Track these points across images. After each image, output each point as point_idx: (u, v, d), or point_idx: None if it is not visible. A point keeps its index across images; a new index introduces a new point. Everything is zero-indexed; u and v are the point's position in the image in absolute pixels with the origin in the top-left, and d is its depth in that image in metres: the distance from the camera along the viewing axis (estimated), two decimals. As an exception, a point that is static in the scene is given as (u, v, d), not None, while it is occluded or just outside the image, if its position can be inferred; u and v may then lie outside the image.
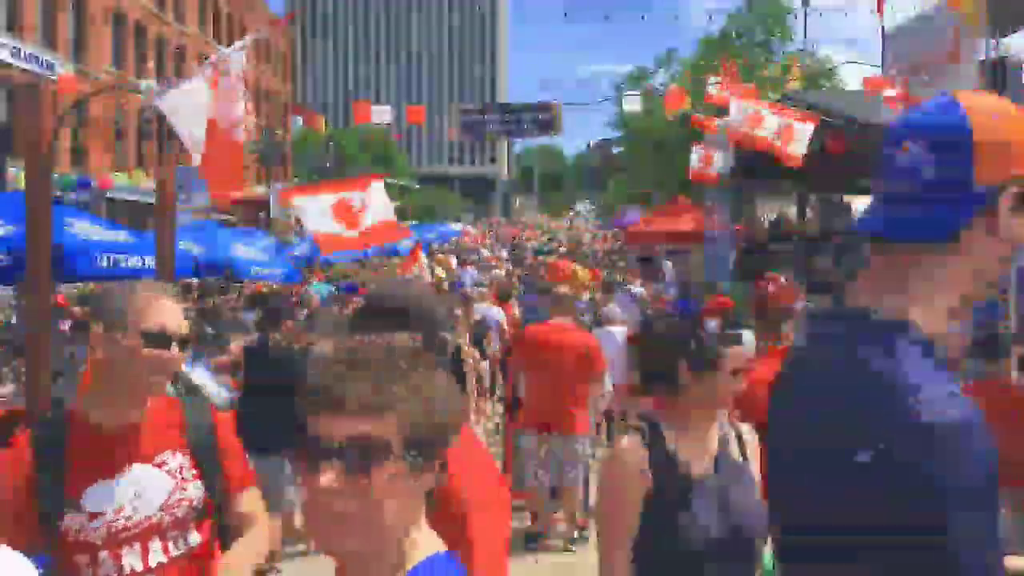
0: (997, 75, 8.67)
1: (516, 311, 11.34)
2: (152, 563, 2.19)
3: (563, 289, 6.93)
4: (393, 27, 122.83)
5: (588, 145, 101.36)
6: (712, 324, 2.41)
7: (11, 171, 21.74)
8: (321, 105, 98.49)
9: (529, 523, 6.87)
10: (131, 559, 2.16)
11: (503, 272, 21.04)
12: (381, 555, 1.26)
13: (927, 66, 9.86)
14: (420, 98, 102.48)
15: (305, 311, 10.63)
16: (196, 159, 5.81)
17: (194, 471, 2.29)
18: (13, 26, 25.71)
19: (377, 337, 1.39)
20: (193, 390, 5.28)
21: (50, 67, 25.54)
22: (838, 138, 10.39)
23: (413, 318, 2.00)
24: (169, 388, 3.81)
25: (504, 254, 34.17)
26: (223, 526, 2.40)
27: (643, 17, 59.03)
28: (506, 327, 10.22)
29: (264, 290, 14.28)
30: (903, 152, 1.36)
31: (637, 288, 12.36)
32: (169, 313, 2.21)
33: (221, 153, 5.79)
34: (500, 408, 8.70)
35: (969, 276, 1.36)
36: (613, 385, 7.29)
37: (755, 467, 2.46)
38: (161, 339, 2.17)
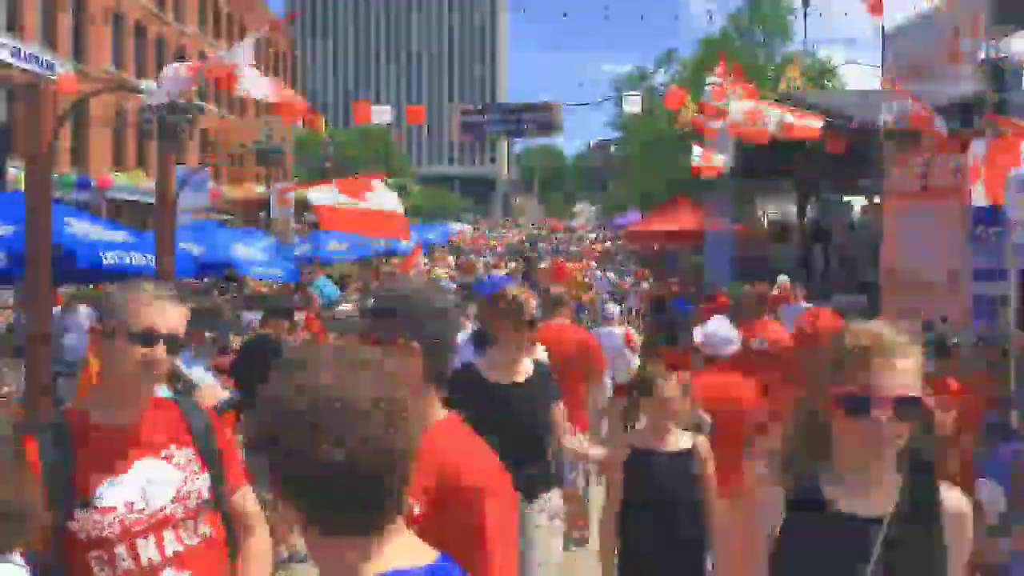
0: (997, 75, 8.67)
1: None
2: (169, 553, 2.22)
3: (560, 289, 6.92)
4: (393, 27, 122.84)
5: (588, 145, 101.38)
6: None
7: (11, 171, 21.74)
8: (321, 105, 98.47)
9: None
10: (148, 551, 2.19)
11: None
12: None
13: (927, 66, 9.87)
14: (420, 98, 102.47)
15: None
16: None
17: (200, 463, 2.33)
18: (13, 26, 25.70)
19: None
20: (192, 390, 5.28)
21: (50, 67, 25.54)
22: (838, 138, 10.38)
23: (415, 319, 2.01)
24: (165, 391, 3.82)
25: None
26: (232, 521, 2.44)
27: (643, 17, 58.97)
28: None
29: (264, 290, 14.29)
30: None
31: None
32: (159, 313, 2.22)
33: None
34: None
35: None
36: (612, 384, 7.29)
37: None
38: (147, 338, 2.19)
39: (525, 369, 4.07)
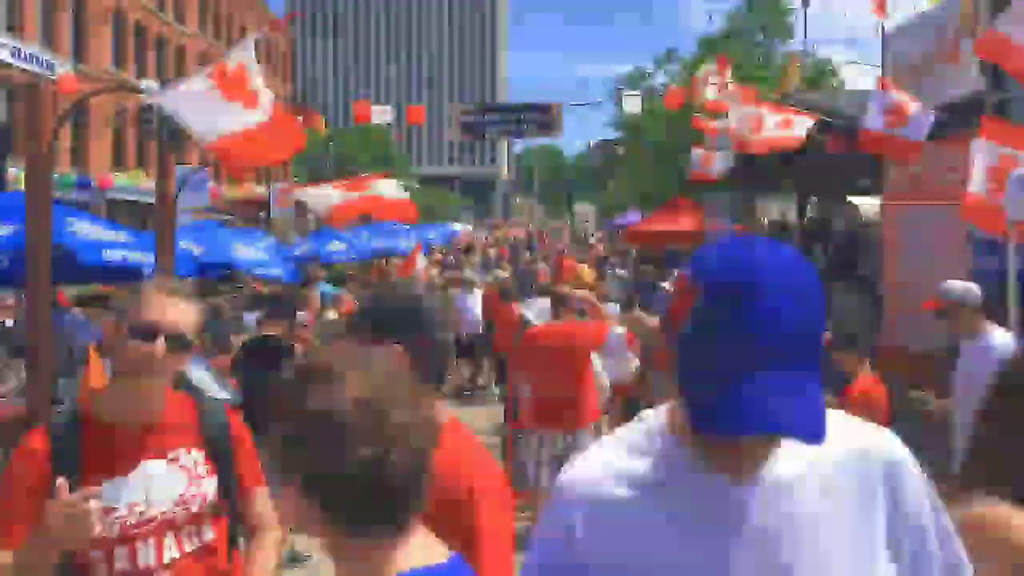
0: (997, 75, 8.66)
1: (517, 313, 11.32)
2: (166, 558, 2.21)
3: (565, 288, 6.93)
4: (393, 27, 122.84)
5: (588, 145, 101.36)
6: None
7: (11, 171, 21.74)
8: (321, 105, 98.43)
9: (530, 523, 6.87)
10: (146, 554, 2.18)
11: (505, 273, 21.01)
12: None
13: (927, 66, 9.86)
14: (420, 98, 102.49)
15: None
16: (211, 143, 5.66)
17: (208, 467, 2.31)
18: (13, 26, 25.70)
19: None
20: (192, 390, 5.28)
21: (50, 67, 25.54)
22: (838, 138, 10.38)
23: (416, 321, 2.01)
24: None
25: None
26: (238, 525, 2.42)
27: (643, 17, 58.95)
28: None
29: (264, 290, 14.28)
30: None
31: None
32: (161, 309, 2.20)
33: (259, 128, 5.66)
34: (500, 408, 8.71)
35: None
36: (612, 384, 7.30)
37: None
38: (146, 333, 2.16)
39: None
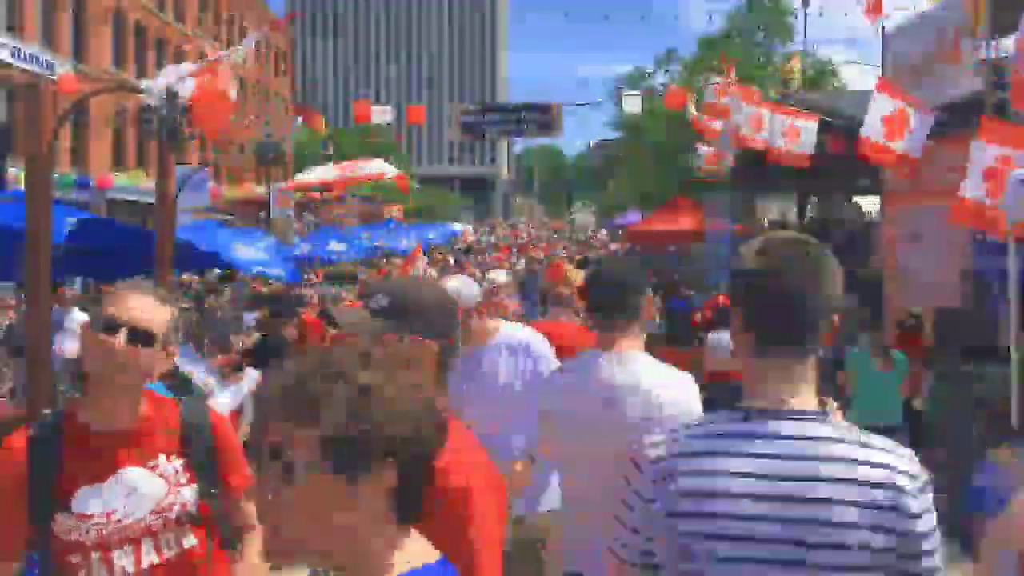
0: (997, 75, 8.66)
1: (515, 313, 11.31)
2: (144, 564, 2.18)
3: (565, 290, 6.92)
4: (393, 27, 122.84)
5: (588, 145, 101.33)
6: None
7: (11, 171, 21.74)
8: (321, 105, 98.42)
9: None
10: (123, 561, 2.16)
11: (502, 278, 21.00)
12: (345, 565, 1.25)
13: (927, 66, 9.86)
14: (420, 98, 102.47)
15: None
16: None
17: (188, 475, 2.27)
18: (13, 26, 25.70)
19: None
20: (191, 389, 5.28)
21: (50, 67, 25.54)
22: (838, 138, 10.38)
23: (427, 317, 1.98)
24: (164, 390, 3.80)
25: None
26: (227, 528, 2.39)
27: (643, 17, 58.98)
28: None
29: (264, 290, 14.28)
30: None
31: None
32: (122, 303, 2.15)
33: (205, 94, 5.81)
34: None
35: None
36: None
37: None
38: (107, 326, 2.11)
39: None
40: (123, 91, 27.08)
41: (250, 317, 10.99)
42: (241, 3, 44.00)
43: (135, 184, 29.07)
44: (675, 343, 10.62)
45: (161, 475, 2.23)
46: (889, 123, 7.71)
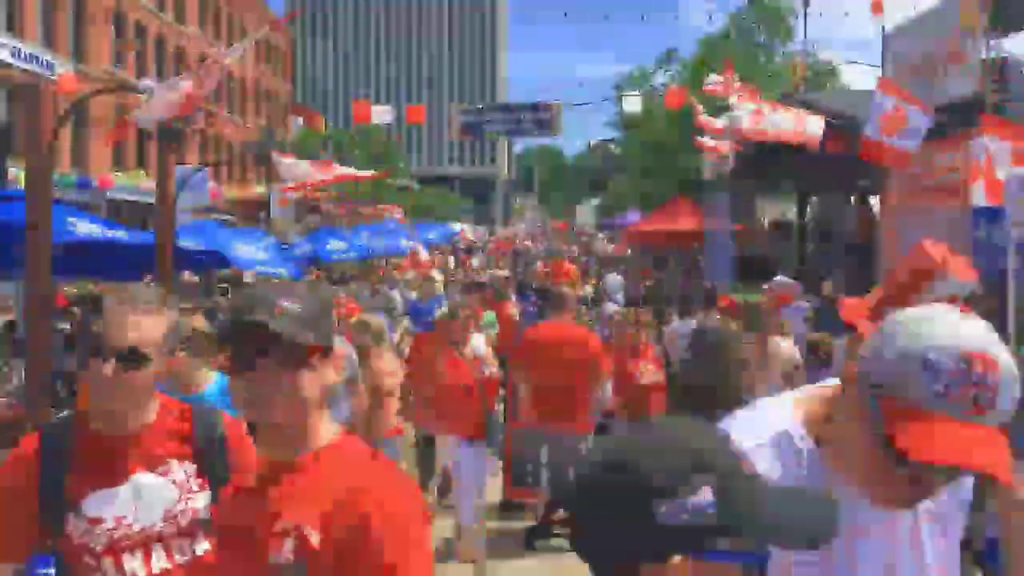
0: (997, 75, 8.66)
1: (513, 312, 11.31)
2: (156, 569, 2.17)
3: (565, 289, 6.94)
4: (393, 27, 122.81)
5: (588, 145, 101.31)
6: None
7: (11, 171, 21.73)
8: (321, 105, 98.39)
9: (530, 523, 6.87)
10: (134, 565, 2.15)
11: (503, 273, 21.04)
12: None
13: (927, 66, 9.86)
14: (420, 98, 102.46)
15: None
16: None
17: (201, 480, 2.26)
18: (13, 26, 25.70)
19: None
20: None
21: (50, 67, 25.54)
22: (838, 138, 10.38)
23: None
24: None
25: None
26: None
27: (643, 17, 58.99)
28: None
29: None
30: None
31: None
32: (114, 322, 2.09)
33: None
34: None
35: None
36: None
37: None
38: (97, 351, 2.07)
39: None
40: (123, 91, 27.09)
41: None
42: (241, 3, 43.99)
43: (135, 184, 29.06)
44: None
45: (173, 481, 2.22)
46: (888, 122, 7.71)
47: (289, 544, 1.59)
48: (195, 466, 2.26)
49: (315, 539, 1.58)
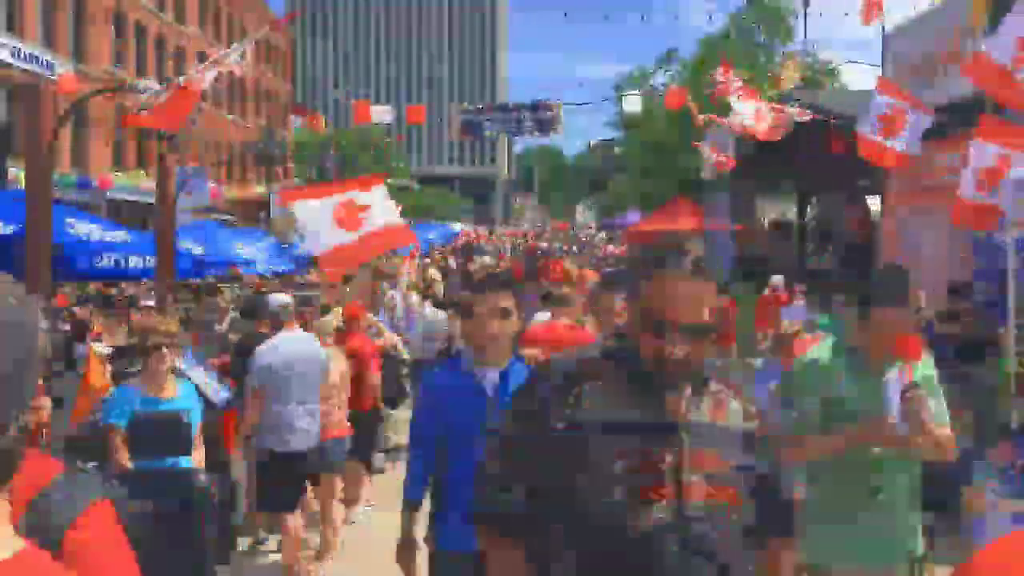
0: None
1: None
2: None
3: (566, 289, 6.93)
4: (393, 27, 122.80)
5: (588, 145, 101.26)
6: None
7: (11, 171, 21.73)
8: (321, 105, 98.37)
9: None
10: None
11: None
12: None
13: (927, 66, 9.86)
14: (420, 98, 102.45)
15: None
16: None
17: None
18: (13, 26, 25.70)
19: None
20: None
21: (50, 67, 25.53)
22: (838, 138, 10.38)
23: None
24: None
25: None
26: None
27: (643, 17, 59.00)
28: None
29: (264, 290, 14.28)
30: None
31: None
32: None
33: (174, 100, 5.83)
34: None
35: None
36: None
37: None
38: None
39: None
40: (123, 91, 27.11)
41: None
42: (241, 3, 43.99)
43: (135, 184, 29.06)
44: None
45: None
46: (886, 121, 7.71)
47: None
48: None
49: None
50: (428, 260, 23.85)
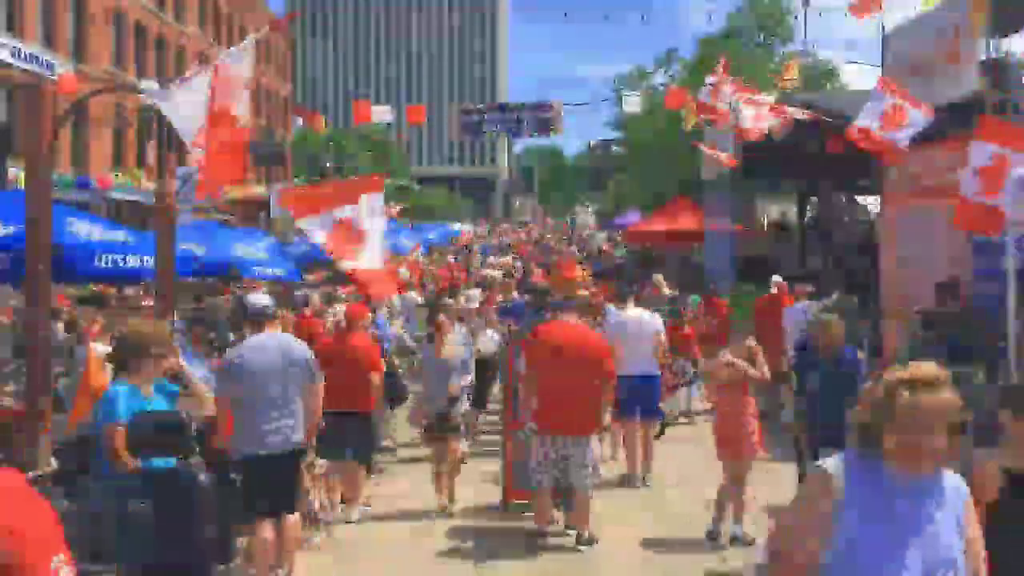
0: (997, 75, 8.66)
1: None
2: None
3: (579, 291, 6.96)
4: (393, 27, 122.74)
5: (588, 145, 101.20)
6: None
7: (11, 171, 21.72)
8: (321, 105, 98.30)
9: (532, 523, 6.87)
10: None
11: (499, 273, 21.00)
12: None
13: (927, 66, 9.85)
14: (420, 98, 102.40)
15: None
16: (195, 154, 5.78)
17: None
18: (13, 26, 25.69)
19: None
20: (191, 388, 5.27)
21: (50, 67, 25.51)
22: (838, 138, 10.38)
23: None
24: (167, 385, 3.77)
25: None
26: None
27: (643, 17, 58.98)
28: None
29: (264, 290, 14.25)
30: None
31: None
32: None
33: (222, 147, 5.76)
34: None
35: None
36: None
37: None
38: None
39: None
40: (123, 91, 27.10)
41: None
42: (241, 3, 43.97)
43: (135, 184, 29.04)
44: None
45: None
46: (885, 119, 7.72)
47: None
48: None
49: None
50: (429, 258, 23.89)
